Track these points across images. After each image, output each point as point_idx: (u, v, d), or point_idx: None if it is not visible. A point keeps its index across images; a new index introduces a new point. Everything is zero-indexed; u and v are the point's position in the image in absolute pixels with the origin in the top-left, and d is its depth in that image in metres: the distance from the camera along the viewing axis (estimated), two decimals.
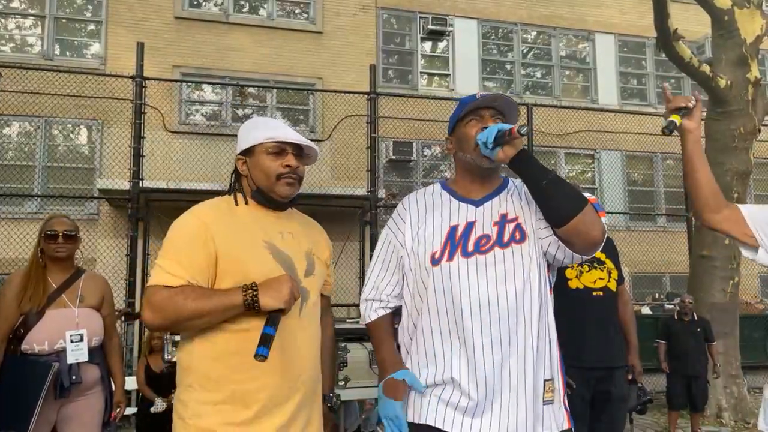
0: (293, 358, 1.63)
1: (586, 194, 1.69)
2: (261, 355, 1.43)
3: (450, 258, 1.66)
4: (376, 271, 1.83)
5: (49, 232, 2.74)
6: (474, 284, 1.62)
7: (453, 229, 1.69)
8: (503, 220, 1.70)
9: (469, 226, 1.69)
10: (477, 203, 1.73)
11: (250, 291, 1.53)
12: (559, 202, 1.60)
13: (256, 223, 1.69)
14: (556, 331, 1.71)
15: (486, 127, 1.66)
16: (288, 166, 1.69)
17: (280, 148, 1.70)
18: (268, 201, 1.72)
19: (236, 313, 1.54)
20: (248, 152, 1.73)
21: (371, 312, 1.81)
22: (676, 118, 1.74)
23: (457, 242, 1.67)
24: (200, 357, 1.59)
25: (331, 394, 1.91)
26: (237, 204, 1.72)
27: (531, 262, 1.65)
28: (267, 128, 1.73)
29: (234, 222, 1.67)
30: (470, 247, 1.66)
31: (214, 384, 1.57)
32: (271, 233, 1.69)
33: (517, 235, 1.67)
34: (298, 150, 1.74)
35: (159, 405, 4.07)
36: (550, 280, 1.73)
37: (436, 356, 1.63)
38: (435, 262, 1.66)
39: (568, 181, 1.72)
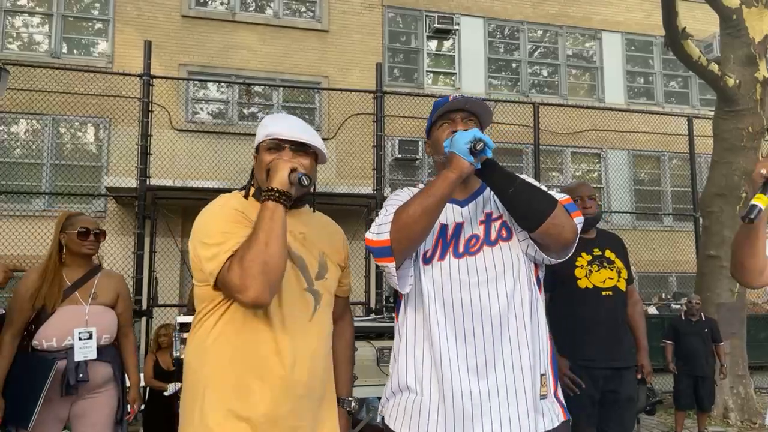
0: (301, 369, 1.57)
1: (559, 195, 1.67)
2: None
3: (441, 257, 1.65)
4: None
5: (82, 229, 2.75)
6: (465, 284, 1.62)
7: (443, 228, 1.69)
8: (488, 218, 1.70)
9: (458, 227, 1.69)
10: (462, 203, 1.73)
11: (267, 192, 1.49)
12: (525, 209, 1.59)
13: None
14: (547, 326, 1.72)
15: (455, 132, 1.64)
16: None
17: (276, 144, 1.61)
18: None
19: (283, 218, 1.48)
20: (257, 149, 1.69)
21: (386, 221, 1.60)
22: (761, 200, 1.38)
23: (448, 241, 1.66)
24: (214, 364, 1.55)
25: (347, 398, 1.83)
26: (247, 199, 1.66)
27: (519, 259, 1.66)
28: (270, 125, 1.65)
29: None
30: (461, 248, 1.66)
31: (225, 393, 1.53)
32: None
33: (504, 233, 1.68)
34: (301, 146, 1.63)
35: (172, 388, 4.07)
36: (539, 277, 1.73)
37: (433, 354, 1.61)
38: (426, 260, 1.66)
39: (537, 185, 1.68)
